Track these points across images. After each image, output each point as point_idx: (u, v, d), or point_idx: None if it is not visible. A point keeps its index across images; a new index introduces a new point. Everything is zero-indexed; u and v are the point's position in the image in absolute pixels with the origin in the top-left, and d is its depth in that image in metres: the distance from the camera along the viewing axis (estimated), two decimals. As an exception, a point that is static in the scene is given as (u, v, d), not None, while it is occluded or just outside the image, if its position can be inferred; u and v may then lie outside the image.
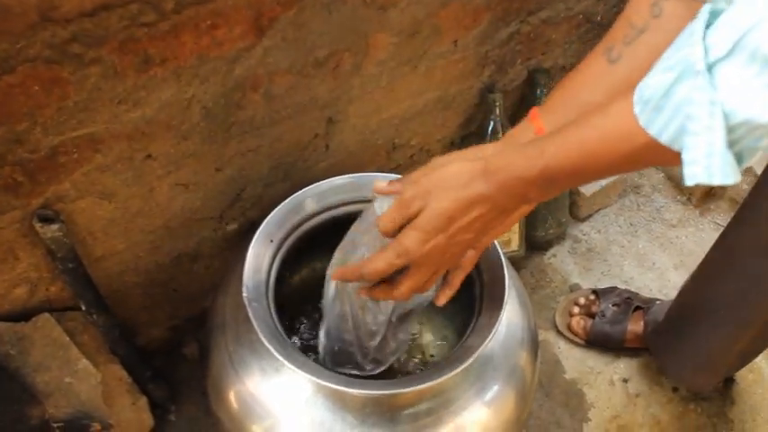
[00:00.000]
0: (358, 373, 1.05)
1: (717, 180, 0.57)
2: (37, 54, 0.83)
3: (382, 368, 1.06)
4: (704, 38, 0.58)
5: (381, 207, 0.85)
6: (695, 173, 0.58)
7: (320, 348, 1.06)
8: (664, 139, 0.61)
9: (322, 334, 1.05)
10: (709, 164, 0.58)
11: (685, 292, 1.36)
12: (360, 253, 0.91)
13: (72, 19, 0.82)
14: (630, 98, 0.64)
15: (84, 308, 1.10)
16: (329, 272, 0.97)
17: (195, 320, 1.36)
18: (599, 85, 0.86)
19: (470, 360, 0.90)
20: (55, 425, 1.08)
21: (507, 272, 1.00)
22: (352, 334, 1.01)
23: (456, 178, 0.78)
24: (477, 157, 0.79)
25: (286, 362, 0.89)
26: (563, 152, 0.71)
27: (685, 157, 0.59)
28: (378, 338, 1.01)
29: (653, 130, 0.61)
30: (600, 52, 0.87)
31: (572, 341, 1.51)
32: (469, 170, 0.77)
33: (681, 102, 0.58)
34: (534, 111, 0.89)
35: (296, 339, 1.20)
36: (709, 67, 0.57)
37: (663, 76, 0.61)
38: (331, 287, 0.98)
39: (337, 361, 1.05)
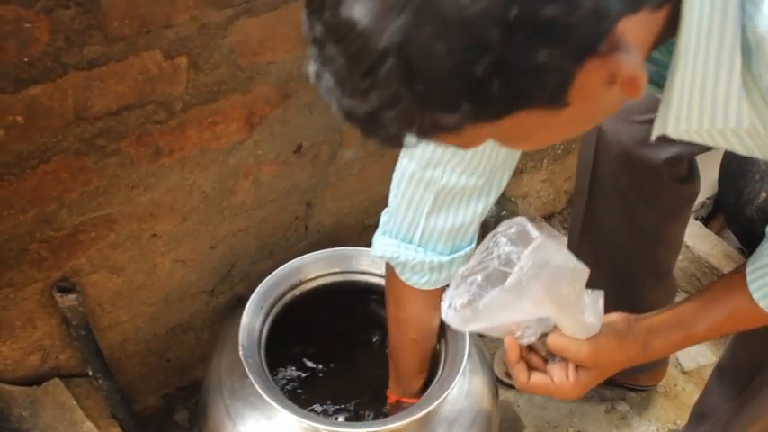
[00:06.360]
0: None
1: None
2: (69, 146, 0.99)
3: None
4: None
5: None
6: None
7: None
8: None
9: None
10: None
11: None
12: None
13: (100, 117, 0.99)
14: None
15: (90, 373, 1.22)
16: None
17: (185, 389, 1.47)
18: None
19: (428, 409, 1.06)
20: (59, 484, 1.18)
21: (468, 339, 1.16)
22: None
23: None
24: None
25: (281, 407, 1.02)
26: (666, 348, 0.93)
27: None
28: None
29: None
30: None
31: (512, 385, 1.66)
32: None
33: None
34: None
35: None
36: None
37: None
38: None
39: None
